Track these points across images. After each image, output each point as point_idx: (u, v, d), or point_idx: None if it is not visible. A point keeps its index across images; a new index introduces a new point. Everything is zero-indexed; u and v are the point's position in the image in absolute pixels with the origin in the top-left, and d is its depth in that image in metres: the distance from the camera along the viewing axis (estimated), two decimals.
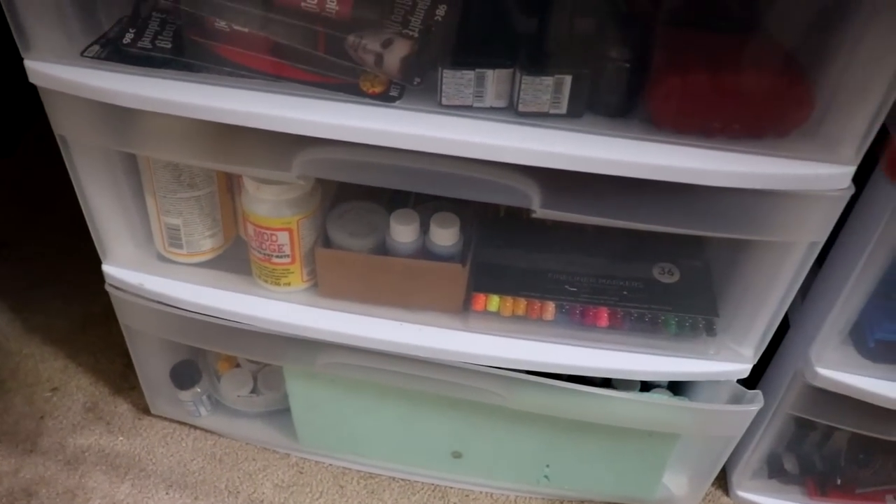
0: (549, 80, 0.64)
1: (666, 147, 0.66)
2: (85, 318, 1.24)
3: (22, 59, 0.72)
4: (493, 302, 0.83)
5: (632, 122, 0.68)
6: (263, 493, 1.01)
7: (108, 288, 0.92)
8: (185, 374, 1.03)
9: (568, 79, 0.64)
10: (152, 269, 0.90)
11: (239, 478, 1.03)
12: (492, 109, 0.66)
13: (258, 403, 1.04)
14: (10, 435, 1.08)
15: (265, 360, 0.95)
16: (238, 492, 1.01)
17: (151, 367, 1.04)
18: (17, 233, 1.40)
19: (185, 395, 1.03)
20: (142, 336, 1.00)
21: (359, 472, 1.04)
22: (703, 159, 0.66)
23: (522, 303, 0.83)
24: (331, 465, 1.05)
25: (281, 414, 1.04)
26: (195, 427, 1.08)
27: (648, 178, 0.65)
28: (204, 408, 1.05)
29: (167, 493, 1.01)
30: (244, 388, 1.04)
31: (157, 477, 1.03)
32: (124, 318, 0.96)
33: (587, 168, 0.65)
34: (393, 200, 0.86)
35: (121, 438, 1.08)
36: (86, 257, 1.31)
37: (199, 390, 1.03)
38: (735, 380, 0.87)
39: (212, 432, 1.08)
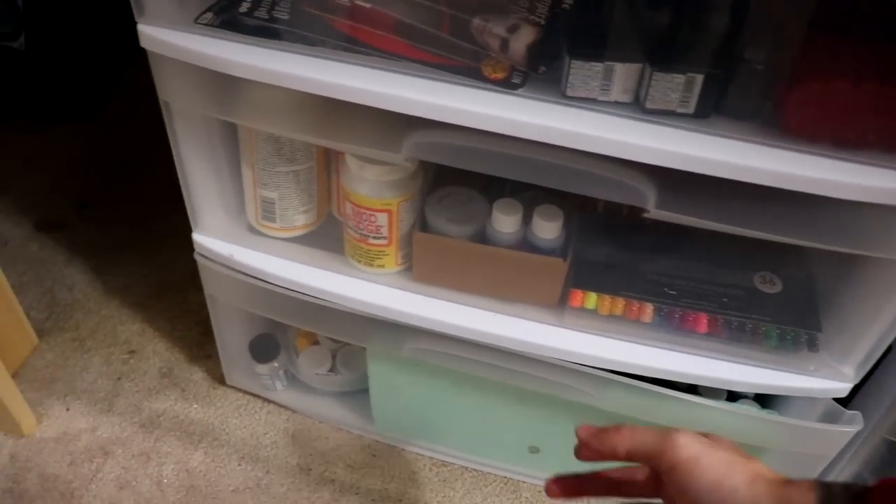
0: (680, 78, 0.61)
1: (796, 155, 0.63)
2: (162, 284, 1.25)
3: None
4: (591, 299, 0.80)
5: (760, 127, 0.64)
6: (335, 473, 1.01)
7: (196, 257, 0.92)
8: (264, 347, 1.02)
9: (699, 78, 0.61)
10: (243, 240, 0.90)
11: (311, 455, 1.03)
12: (616, 104, 0.64)
13: (335, 383, 1.04)
14: (89, 393, 1.09)
15: (351, 340, 0.94)
16: (310, 469, 1.01)
17: (231, 338, 1.04)
18: (97, 195, 1.41)
19: (263, 369, 1.03)
20: (225, 307, 1.00)
21: (431, 459, 1.03)
22: (834, 170, 0.62)
23: (621, 302, 0.80)
24: (404, 450, 1.04)
25: (357, 395, 1.03)
26: (269, 401, 1.08)
27: (774, 186, 0.62)
28: (280, 382, 1.05)
29: (239, 465, 1.02)
30: (322, 366, 1.03)
31: (230, 447, 1.04)
32: (210, 287, 0.96)
33: (713, 171, 0.62)
34: (488, 187, 0.84)
35: (195, 406, 1.08)
36: (163, 225, 1.33)
37: (276, 365, 1.03)
38: (832, 398, 0.83)
39: (286, 407, 1.08)
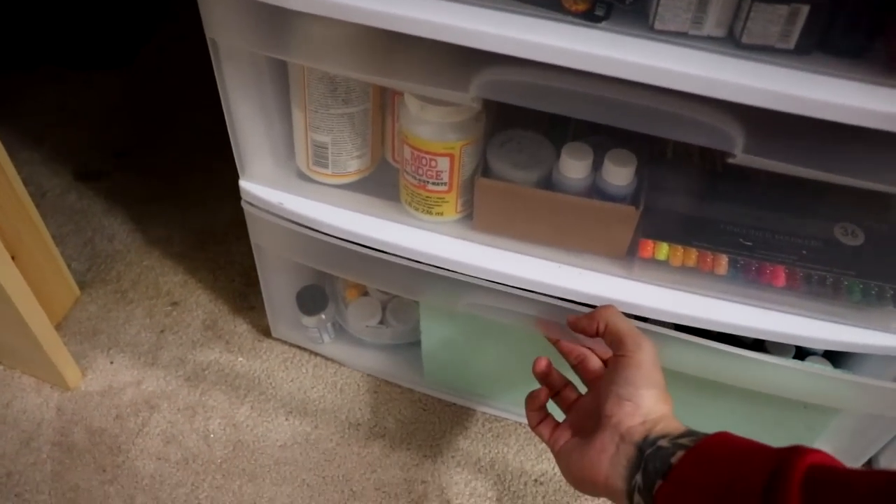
0: (783, 9, 0.55)
1: None
2: (204, 233, 1.22)
3: None
4: (662, 250, 0.76)
5: (865, 65, 0.59)
6: (385, 427, 0.98)
7: (243, 205, 0.88)
8: (312, 299, 0.99)
9: (805, 9, 0.55)
10: (292, 188, 0.86)
11: (360, 409, 1.00)
12: (709, 38, 0.59)
13: (385, 335, 1.01)
14: (133, 346, 1.07)
15: (405, 294, 0.90)
16: (359, 424, 0.99)
17: (277, 289, 1.01)
18: (135, 143, 1.38)
19: (310, 321, 1.00)
20: (271, 257, 0.96)
21: (484, 414, 1.00)
22: None
23: (693, 253, 0.76)
24: (455, 403, 1.01)
25: (408, 347, 1.00)
26: (316, 354, 1.06)
27: (881, 129, 0.57)
28: (328, 335, 1.02)
29: (286, 420, 0.99)
30: (372, 319, 1.00)
31: (277, 401, 1.01)
32: (257, 237, 0.93)
33: (816, 113, 0.57)
34: (551, 130, 0.79)
35: (240, 359, 1.06)
36: (203, 173, 1.29)
37: (324, 317, 1.00)
38: None
39: (333, 360, 1.05)
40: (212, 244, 1.20)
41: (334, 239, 0.83)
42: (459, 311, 0.83)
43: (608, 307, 0.68)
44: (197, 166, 1.31)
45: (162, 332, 1.09)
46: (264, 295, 1.01)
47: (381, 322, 1.00)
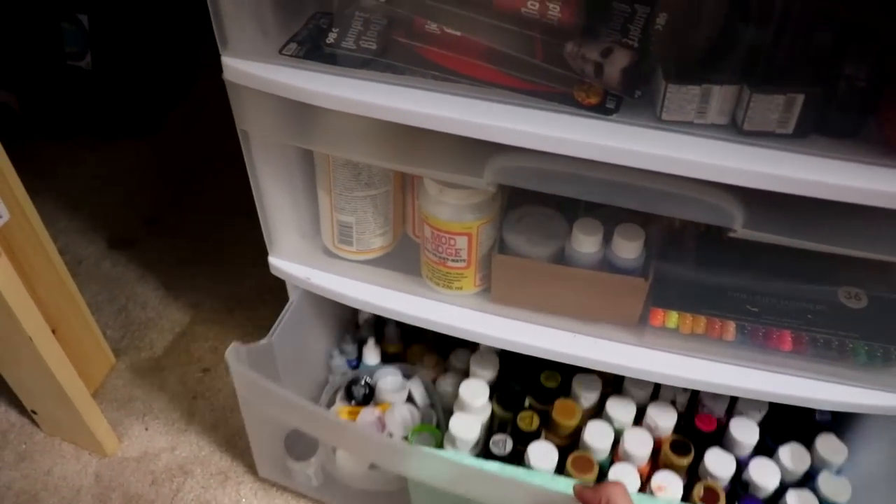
0: (780, 99, 0.60)
1: None
2: (232, 298, 1.27)
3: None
4: (672, 318, 0.80)
5: (860, 145, 0.63)
6: None
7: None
8: (301, 443, 0.97)
9: (800, 98, 0.60)
10: (318, 263, 0.91)
11: None
12: (713, 126, 0.63)
13: (375, 481, 0.97)
14: (166, 413, 1.11)
15: None
16: None
17: (263, 432, 0.99)
18: (165, 209, 1.44)
19: (298, 466, 0.97)
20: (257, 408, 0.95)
21: None
22: None
23: (702, 320, 0.79)
24: None
25: (399, 494, 0.93)
26: (302, 495, 1.04)
27: (877, 206, 0.61)
28: (316, 479, 0.99)
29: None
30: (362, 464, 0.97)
31: None
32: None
33: (813, 193, 0.61)
34: (563, 205, 0.83)
35: None
36: (231, 236, 1.34)
37: (312, 462, 0.97)
38: None
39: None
40: (240, 309, 1.25)
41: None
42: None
43: (617, 484, 0.68)
44: (225, 229, 1.36)
45: (194, 398, 1.13)
46: (250, 439, 1.00)
47: (371, 466, 0.97)
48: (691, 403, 0.94)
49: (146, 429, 1.09)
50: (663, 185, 0.65)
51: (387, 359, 1.08)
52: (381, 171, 0.82)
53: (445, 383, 1.02)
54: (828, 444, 0.88)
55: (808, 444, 0.89)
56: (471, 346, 0.98)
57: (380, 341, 1.07)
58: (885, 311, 0.82)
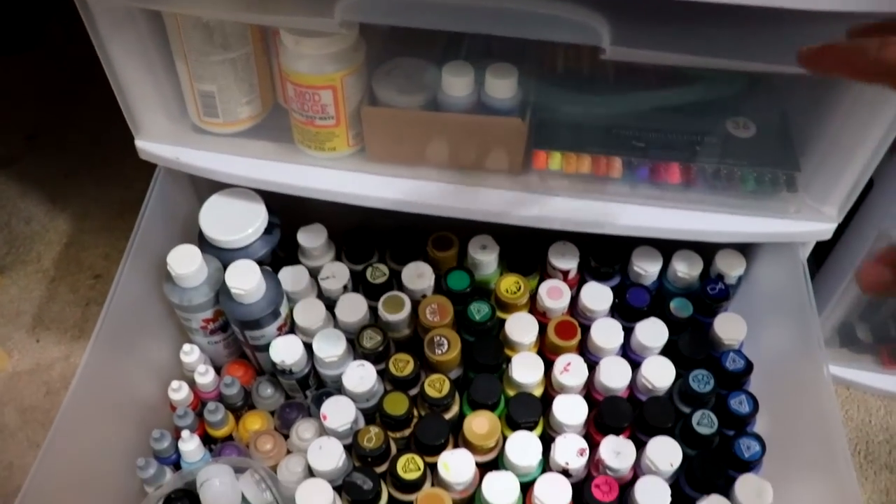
0: None
1: None
2: (122, 203, 1.20)
3: None
4: (556, 159, 0.77)
5: None
6: None
7: None
8: None
9: None
10: (188, 141, 0.85)
11: None
12: None
13: None
14: (58, 322, 1.06)
15: None
16: None
17: None
18: (46, 123, 1.36)
19: None
20: None
21: None
22: None
23: (587, 159, 0.77)
24: None
25: None
26: None
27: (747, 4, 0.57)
28: None
29: None
30: None
31: None
32: None
33: None
34: (443, 57, 0.79)
35: None
36: (117, 145, 1.27)
37: None
38: (815, 241, 0.81)
39: None
40: (130, 213, 1.18)
41: None
42: None
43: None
44: (112, 136, 1.28)
45: (87, 305, 1.08)
46: None
47: None
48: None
49: (37, 341, 1.04)
50: (520, 4, 0.60)
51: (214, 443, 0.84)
52: (235, 30, 0.76)
53: (288, 471, 0.76)
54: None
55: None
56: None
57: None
58: (773, 137, 0.80)
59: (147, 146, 0.86)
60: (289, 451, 0.80)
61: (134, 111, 0.84)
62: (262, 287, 0.79)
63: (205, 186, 0.88)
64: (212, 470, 0.75)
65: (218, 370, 0.89)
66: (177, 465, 0.81)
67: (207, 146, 0.84)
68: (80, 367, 0.75)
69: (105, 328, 0.79)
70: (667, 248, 0.86)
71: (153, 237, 0.88)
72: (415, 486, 0.71)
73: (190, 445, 0.78)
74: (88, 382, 0.77)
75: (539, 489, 0.70)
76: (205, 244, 0.85)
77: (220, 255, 0.84)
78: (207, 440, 0.84)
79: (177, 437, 0.80)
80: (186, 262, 0.80)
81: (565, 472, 0.72)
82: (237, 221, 0.85)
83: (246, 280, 0.78)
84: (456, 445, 0.75)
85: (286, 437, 0.81)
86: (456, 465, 0.71)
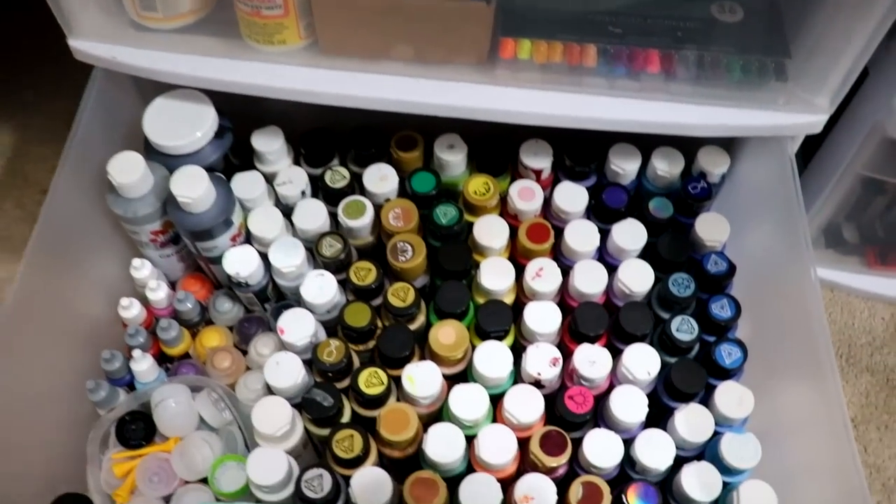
0: None
1: None
2: (68, 111, 1.12)
3: None
4: (525, 47, 0.70)
5: None
6: None
7: None
8: None
9: None
10: (126, 39, 0.78)
11: None
12: None
13: None
14: (5, 240, 1.01)
15: None
16: None
17: None
18: None
19: None
20: None
21: None
22: None
23: (559, 47, 0.71)
24: None
25: None
26: None
27: None
28: None
29: None
30: None
31: None
32: None
33: None
34: None
35: None
36: (59, 53, 1.19)
37: None
38: (805, 134, 0.76)
39: None
40: None
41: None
42: None
43: None
44: (54, 47, 1.20)
45: (35, 221, 1.02)
46: None
47: None
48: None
49: None
50: None
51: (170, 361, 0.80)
52: None
53: (247, 388, 0.73)
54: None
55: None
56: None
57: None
58: (761, 22, 0.74)
59: (81, 45, 0.79)
60: (248, 368, 0.76)
61: (63, 5, 0.76)
62: (211, 194, 0.73)
63: (150, 89, 0.81)
64: (166, 390, 0.72)
65: (175, 285, 0.85)
66: (131, 387, 0.77)
67: (147, 44, 0.77)
68: (16, 286, 0.70)
69: (42, 244, 0.74)
70: (646, 144, 0.81)
71: (93, 145, 0.82)
72: (378, 401, 0.67)
73: (142, 365, 0.74)
74: (27, 301, 0.73)
75: (509, 401, 0.66)
76: (150, 151, 0.79)
77: (168, 163, 0.78)
78: (164, 359, 0.80)
79: (129, 356, 0.75)
80: (128, 170, 0.75)
81: (537, 384, 0.68)
82: (184, 125, 0.78)
83: (193, 187, 0.72)
84: (422, 357, 0.71)
85: (245, 353, 0.77)
86: (421, 378, 0.67)
